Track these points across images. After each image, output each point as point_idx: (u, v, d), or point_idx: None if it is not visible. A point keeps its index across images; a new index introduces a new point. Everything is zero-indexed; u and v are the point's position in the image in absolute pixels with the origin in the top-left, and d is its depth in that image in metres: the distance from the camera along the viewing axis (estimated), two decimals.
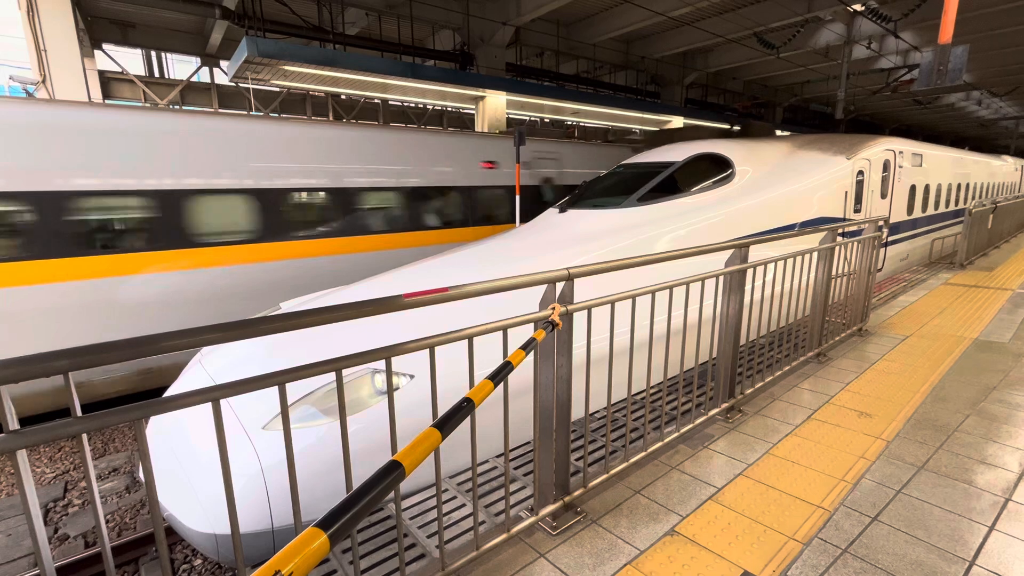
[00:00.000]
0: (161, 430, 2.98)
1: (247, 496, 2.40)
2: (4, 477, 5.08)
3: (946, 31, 5.30)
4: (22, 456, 1.07)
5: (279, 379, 1.35)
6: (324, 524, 0.75)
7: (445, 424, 1.11)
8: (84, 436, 1.13)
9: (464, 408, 1.19)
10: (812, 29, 14.96)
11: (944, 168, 9.15)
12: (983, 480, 2.46)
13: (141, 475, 3.06)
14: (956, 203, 10.22)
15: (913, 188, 7.79)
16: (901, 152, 7.14)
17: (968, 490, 2.39)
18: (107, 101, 13.56)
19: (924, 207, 8.43)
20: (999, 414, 3.13)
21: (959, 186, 10.25)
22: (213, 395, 1.25)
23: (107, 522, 4.36)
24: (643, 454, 2.55)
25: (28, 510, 1.09)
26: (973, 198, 11.46)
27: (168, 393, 3.50)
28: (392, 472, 0.91)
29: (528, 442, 2.90)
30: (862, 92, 21.44)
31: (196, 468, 2.61)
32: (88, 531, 4.26)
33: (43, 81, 8.86)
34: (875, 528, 2.13)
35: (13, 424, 1.06)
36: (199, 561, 3.90)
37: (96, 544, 4.09)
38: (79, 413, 1.12)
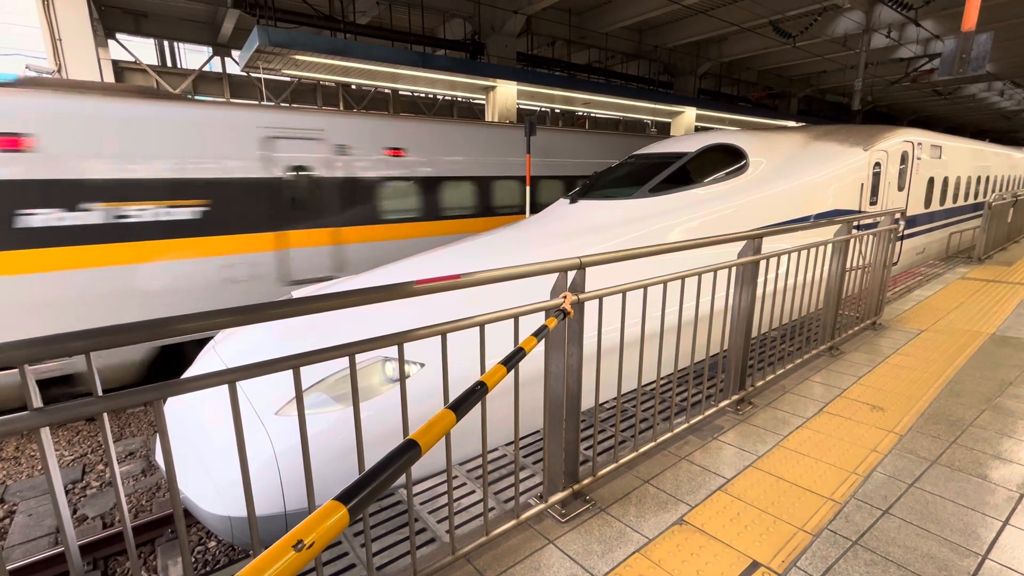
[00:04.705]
0: (175, 416, 3.03)
1: (261, 480, 2.44)
2: (24, 459, 5.21)
3: (970, 18, 5.17)
4: (45, 433, 1.10)
5: (293, 363, 1.36)
6: (343, 498, 0.77)
7: (459, 406, 1.12)
8: (105, 415, 1.16)
9: (478, 391, 1.20)
10: (830, 17, 14.63)
11: (964, 160, 8.96)
12: (998, 475, 2.43)
13: (158, 458, 3.12)
14: (976, 196, 10.01)
15: (931, 180, 7.64)
16: (920, 144, 6.99)
17: (982, 485, 2.36)
18: None
19: (942, 200, 8.27)
20: (1015, 409, 3.08)
21: (979, 179, 10.04)
22: (228, 377, 1.27)
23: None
24: (652, 444, 2.55)
25: (52, 486, 1.12)
26: (993, 191, 11.22)
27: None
28: (409, 450, 0.92)
29: (537, 431, 2.91)
30: (880, 82, 20.99)
31: (210, 453, 2.65)
32: (106, 512, 4.37)
33: (58, 70, 8.96)
34: (886, 521, 2.12)
35: (36, 403, 1.09)
36: (213, 543, 3.99)
37: (115, 525, 4.19)
38: (100, 393, 1.14)
